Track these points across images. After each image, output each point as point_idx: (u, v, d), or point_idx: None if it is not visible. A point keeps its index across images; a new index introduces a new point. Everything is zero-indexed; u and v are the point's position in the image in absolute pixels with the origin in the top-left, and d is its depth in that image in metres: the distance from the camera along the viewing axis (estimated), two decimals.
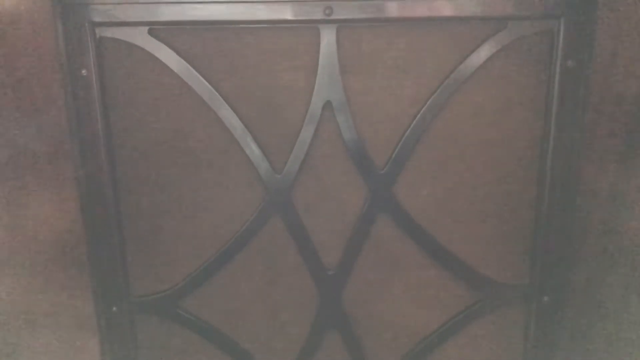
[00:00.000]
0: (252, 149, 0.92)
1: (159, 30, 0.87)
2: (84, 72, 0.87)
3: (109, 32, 0.87)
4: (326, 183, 0.96)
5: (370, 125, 0.92)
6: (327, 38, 0.87)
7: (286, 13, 0.85)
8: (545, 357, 1.03)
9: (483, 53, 0.88)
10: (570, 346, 1.02)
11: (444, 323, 1.03)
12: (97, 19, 0.85)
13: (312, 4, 0.85)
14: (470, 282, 1.01)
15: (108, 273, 0.98)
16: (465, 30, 0.87)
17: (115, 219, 0.96)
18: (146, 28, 0.87)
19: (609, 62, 0.86)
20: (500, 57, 0.88)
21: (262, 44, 0.88)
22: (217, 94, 0.90)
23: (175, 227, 0.98)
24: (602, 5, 0.84)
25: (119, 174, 0.94)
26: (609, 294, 0.99)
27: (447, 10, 0.85)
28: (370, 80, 0.90)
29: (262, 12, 0.85)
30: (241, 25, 0.87)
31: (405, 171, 0.95)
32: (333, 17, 0.85)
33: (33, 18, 0.83)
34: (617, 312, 1.00)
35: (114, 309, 1.00)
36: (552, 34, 0.87)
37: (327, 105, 0.91)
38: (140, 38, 0.87)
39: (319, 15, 0.85)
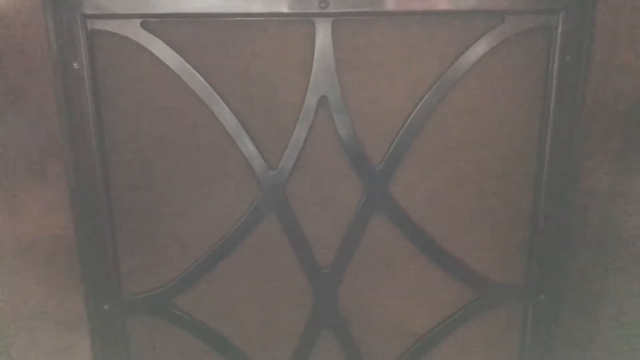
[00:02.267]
0: (246, 145, 0.91)
1: (152, 23, 0.86)
2: (75, 65, 0.86)
3: (101, 25, 0.85)
4: (321, 180, 0.95)
5: (366, 121, 0.91)
6: (323, 32, 0.86)
7: (281, 6, 0.84)
8: (542, 356, 1.03)
9: (480, 48, 0.87)
10: (566, 345, 1.02)
11: (440, 322, 1.03)
12: (88, 11, 0.84)
13: None
14: (466, 281, 1.00)
15: (100, 271, 0.97)
16: (462, 24, 0.87)
17: (107, 216, 0.94)
18: (139, 20, 0.85)
19: (607, 58, 0.86)
20: (498, 52, 0.88)
21: (257, 37, 0.87)
22: (210, 88, 0.89)
23: (168, 224, 0.97)
24: (601, 0, 0.83)
25: (111, 169, 0.93)
26: (605, 293, 0.98)
27: (444, 4, 0.84)
28: (366, 75, 0.89)
29: (257, 5, 0.84)
30: (236, 19, 0.86)
31: (401, 168, 0.94)
32: (329, 10, 0.84)
33: (22, 10, 0.81)
34: (613, 311, 1.00)
35: (106, 307, 0.99)
36: (550, 29, 0.87)
37: (323, 100, 0.90)
38: (133, 31, 0.86)
39: (314, 9, 0.84)
